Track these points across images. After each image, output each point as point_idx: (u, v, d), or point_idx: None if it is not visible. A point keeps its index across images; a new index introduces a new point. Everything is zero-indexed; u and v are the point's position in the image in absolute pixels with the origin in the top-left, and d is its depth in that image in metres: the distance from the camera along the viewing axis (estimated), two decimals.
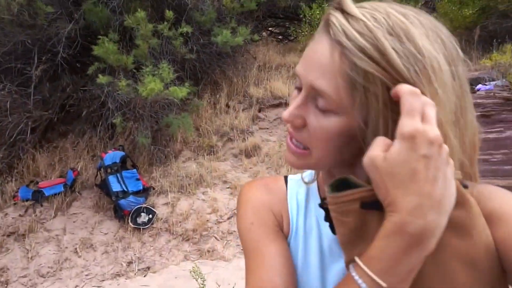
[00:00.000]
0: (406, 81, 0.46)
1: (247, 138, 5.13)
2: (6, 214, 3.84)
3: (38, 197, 3.98)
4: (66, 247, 3.62)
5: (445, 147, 0.44)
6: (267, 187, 0.71)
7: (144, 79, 4.08)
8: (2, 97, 3.83)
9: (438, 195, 0.42)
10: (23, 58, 4.11)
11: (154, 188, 4.24)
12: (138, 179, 4.15)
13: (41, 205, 3.97)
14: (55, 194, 4.06)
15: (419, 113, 0.43)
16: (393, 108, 0.46)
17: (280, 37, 6.87)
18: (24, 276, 3.33)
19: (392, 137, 0.45)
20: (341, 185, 0.48)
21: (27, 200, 3.95)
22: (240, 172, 4.76)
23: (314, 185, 0.70)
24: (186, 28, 4.33)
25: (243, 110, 5.49)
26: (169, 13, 4.25)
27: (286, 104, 5.58)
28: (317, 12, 5.54)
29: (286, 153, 0.59)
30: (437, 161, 0.42)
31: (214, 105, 5.50)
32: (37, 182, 4.16)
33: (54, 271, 3.39)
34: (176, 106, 4.65)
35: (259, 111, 5.59)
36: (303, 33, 5.98)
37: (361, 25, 0.48)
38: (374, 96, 0.47)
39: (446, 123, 0.48)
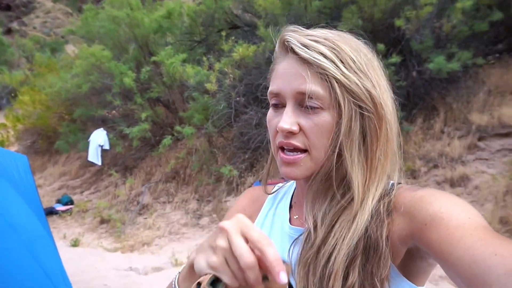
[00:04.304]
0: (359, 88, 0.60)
1: (457, 167, 4.83)
2: None
3: None
4: None
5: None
6: (255, 194, 0.85)
7: None
8: (251, 117, 5.44)
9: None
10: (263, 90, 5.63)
11: None
12: None
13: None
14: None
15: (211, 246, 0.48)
16: (355, 102, 0.60)
17: None
18: None
19: (357, 123, 0.60)
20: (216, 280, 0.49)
21: None
22: None
23: (290, 192, 0.80)
24: (395, 59, 4.68)
25: (459, 137, 5.16)
26: (379, 46, 4.74)
27: None
28: None
29: (283, 169, 0.63)
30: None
31: (426, 130, 5.45)
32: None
33: None
34: None
35: (479, 139, 5.08)
36: None
37: (313, 40, 0.61)
38: (343, 95, 0.59)
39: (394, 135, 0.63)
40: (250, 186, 5.56)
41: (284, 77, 0.62)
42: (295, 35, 0.63)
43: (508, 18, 5.11)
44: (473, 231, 0.48)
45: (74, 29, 7.76)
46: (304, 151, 0.62)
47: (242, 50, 5.16)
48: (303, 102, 0.60)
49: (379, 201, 0.61)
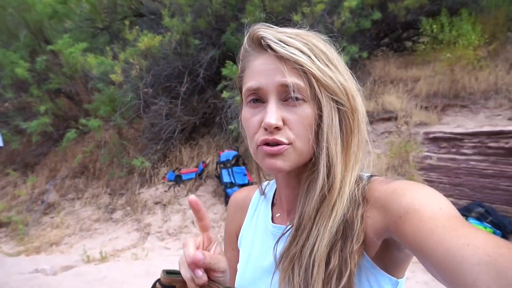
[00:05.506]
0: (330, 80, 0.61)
1: None
2: (157, 188, 5.44)
3: (178, 180, 5.46)
4: (188, 218, 4.91)
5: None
6: (237, 201, 0.88)
7: None
8: (161, 107, 5.45)
9: None
10: (177, 79, 5.68)
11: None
12: (245, 175, 5.14)
13: (179, 186, 5.42)
14: (189, 179, 5.47)
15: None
16: (331, 96, 0.61)
17: (402, 51, 6.81)
18: (159, 232, 4.75)
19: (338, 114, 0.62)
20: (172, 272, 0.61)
21: (170, 181, 5.47)
22: None
23: (272, 191, 0.82)
24: None
25: None
26: None
27: (396, 118, 5.64)
28: (435, 26, 5.39)
29: (266, 161, 0.62)
30: None
31: None
32: (180, 169, 5.67)
33: (176, 233, 4.70)
34: None
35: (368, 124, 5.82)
36: (424, 46, 5.86)
37: (288, 36, 0.62)
38: (319, 89, 0.60)
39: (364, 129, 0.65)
40: (164, 177, 5.61)
41: (263, 72, 0.62)
42: (270, 31, 0.63)
43: (387, 18, 5.88)
44: (445, 222, 0.49)
45: None
46: (288, 143, 0.61)
47: (147, 40, 5.10)
48: (285, 96, 0.61)
49: (354, 187, 0.63)
